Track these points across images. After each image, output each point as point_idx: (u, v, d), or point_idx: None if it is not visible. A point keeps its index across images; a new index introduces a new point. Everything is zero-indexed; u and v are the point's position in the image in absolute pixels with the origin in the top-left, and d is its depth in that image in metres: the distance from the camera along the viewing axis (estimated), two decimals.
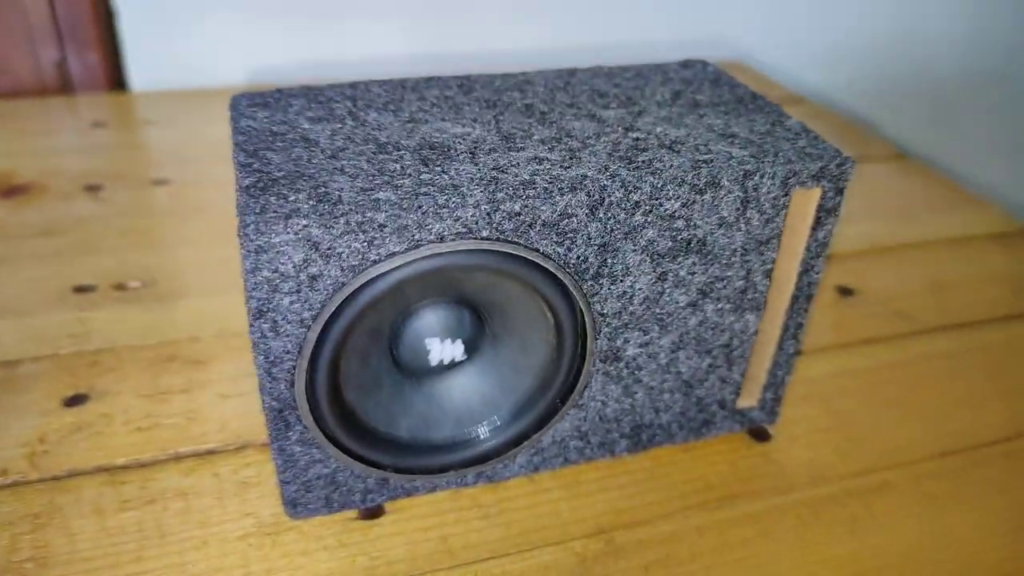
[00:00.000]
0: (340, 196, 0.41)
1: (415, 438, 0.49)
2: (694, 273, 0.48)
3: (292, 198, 0.41)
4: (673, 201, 0.45)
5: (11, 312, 0.65)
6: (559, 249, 0.44)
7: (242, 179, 0.42)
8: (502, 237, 0.43)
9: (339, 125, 0.48)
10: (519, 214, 0.42)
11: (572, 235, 0.44)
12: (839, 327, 0.70)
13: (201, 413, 0.57)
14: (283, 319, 0.41)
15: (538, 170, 0.44)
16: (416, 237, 0.41)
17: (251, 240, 0.39)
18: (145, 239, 0.76)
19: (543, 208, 0.42)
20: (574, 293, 0.46)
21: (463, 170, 0.44)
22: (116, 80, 1.07)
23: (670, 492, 0.53)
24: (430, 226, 0.41)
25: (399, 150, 0.45)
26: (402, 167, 0.44)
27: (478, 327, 0.48)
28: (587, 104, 0.52)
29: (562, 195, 0.43)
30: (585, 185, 0.43)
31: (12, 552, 0.47)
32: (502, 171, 0.44)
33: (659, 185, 0.44)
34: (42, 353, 0.61)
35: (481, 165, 0.44)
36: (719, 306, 0.50)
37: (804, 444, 0.58)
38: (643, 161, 0.45)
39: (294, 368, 0.43)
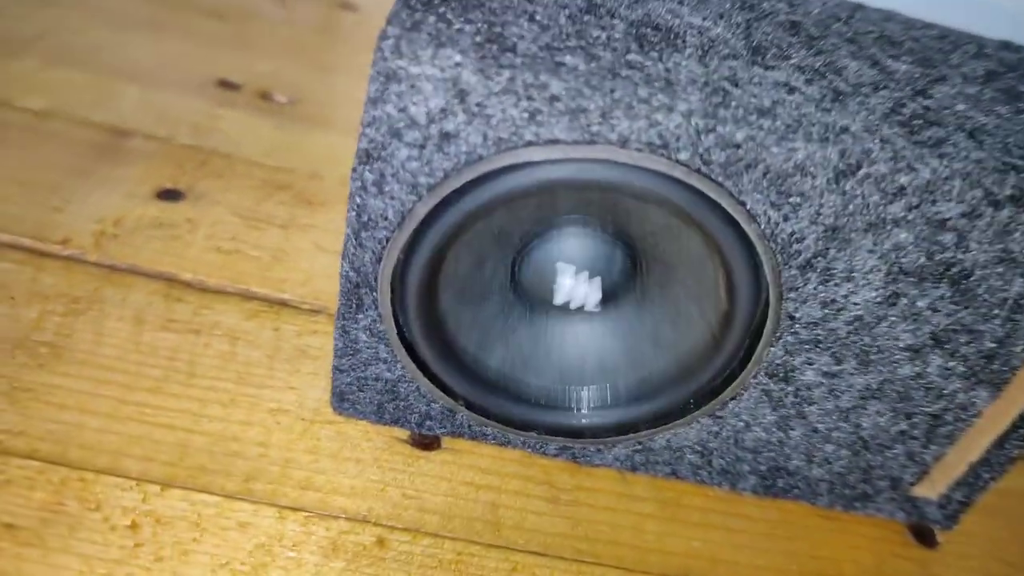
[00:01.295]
0: (516, 44, 0.30)
1: (505, 377, 0.39)
2: (937, 311, 0.35)
3: (457, 26, 0.30)
4: (954, 204, 0.32)
5: (145, 81, 0.59)
6: (772, 213, 0.32)
7: None
8: (704, 171, 0.31)
9: None
10: (739, 147, 0.30)
11: (798, 200, 0.32)
12: None
13: (290, 257, 0.49)
14: (393, 175, 0.32)
15: (785, 100, 0.32)
16: (593, 129, 0.30)
17: (384, 60, 0.29)
18: (310, 56, 0.68)
19: (775, 150, 0.30)
20: (768, 277, 0.34)
21: (685, 66, 0.32)
22: None
23: (787, 562, 0.41)
24: (616, 121, 0.30)
25: (613, 17, 0.34)
26: (609, 37, 0.32)
27: (629, 274, 0.37)
28: (871, 47, 0.39)
29: (808, 142, 0.30)
30: (842, 140, 0.31)
31: (35, 329, 0.41)
32: (736, 84, 0.32)
33: (944, 175, 0.31)
34: (157, 133, 0.55)
35: (711, 69, 0.32)
36: (949, 364, 0.37)
37: (974, 568, 0.44)
38: (930, 138, 0.32)
39: (387, 240, 0.34)
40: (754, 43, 0.35)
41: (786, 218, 0.32)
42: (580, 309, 0.37)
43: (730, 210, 0.32)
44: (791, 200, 0.32)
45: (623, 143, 0.30)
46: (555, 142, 0.30)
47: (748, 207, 0.32)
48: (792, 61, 0.35)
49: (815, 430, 0.40)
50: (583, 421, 0.39)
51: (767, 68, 0.34)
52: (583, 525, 0.40)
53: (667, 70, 0.31)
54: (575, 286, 0.36)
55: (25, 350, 0.40)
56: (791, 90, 0.32)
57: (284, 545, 0.36)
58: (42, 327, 0.41)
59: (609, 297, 0.37)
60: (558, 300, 0.37)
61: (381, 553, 0.36)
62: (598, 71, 0.30)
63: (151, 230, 0.48)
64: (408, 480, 0.39)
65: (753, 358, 0.36)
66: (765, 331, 0.35)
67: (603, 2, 0.35)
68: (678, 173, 0.31)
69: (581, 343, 0.38)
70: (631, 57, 0.31)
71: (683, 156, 0.31)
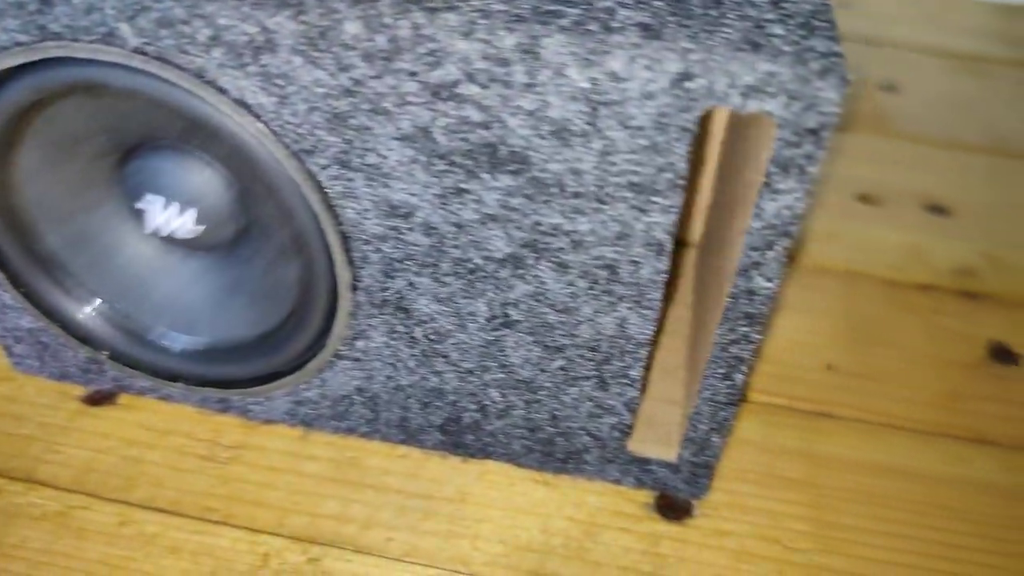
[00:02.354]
0: None
1: (131, 316, 0.36)
2: (512, 209, 0.29)
3: None
4: (452, 66, 0.26)
5: None
6: (265, 100, 0.28)
7: None
8: (163, 56, 0.27)
9: None
10: (185, 25, 0.26)
11: (283, 82, 0.27)
12: (990, 406, 0.43)
13: None
14: None
15: None
16: (40, 24, 0.27)
17: None
18: None
19: (227, 15, 0.26)
20: (290, 177, 0.29)
21: None
22: None
23: (456, 531, 0.35)
24: (66, 12, 0.27)
25: None
26: None
27: (232, 204, 0.33)
28: None
29: (253, 6, 0.26)
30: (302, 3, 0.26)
31: None
32: None
33: (428, 32, 0.25)
34: None
35: None
36: (567, 279, 0.30)
37: (730, 540, 0.35)
38: None
39: None
40: None
41: (281, 102, 0.28)
42: (175, 237, 0.34)
43: (202, 93, 0.28)
44: (275, 82, 0.27)
45: (74, 38, 0.27)
46: (16, 45, 0.28)
47: (232, 94, 0.28)
48: None
49: (468, 371, 0.34)
50: (177, 363, 0.36)
51: None
52: (230, 484, 0.36)
53: None
54: (164, 214, 0.33)
55: None
56: None
57: None
58: None
59: (215, 228, 0.34)
60: (148, 227, 0.34)
61: None
62: None
63: None
64: (61, 436, 0.38)
65: (340, 284, 0.31)
66: (332, 247, 0.31)
67: None
68: (136, 62, 0.27)
69: (198, 277, 0.35)
70: None
71: (134, 43, 0.27)
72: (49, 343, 0.38)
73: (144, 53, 0.27)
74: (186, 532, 0.34)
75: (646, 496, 0.37)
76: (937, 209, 0.55)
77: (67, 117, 0.31)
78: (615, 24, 0.25)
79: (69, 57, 0.28)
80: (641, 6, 0.26)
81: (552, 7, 0.26)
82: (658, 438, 0.36)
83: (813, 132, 0.25)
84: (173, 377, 0.37)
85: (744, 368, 0.31)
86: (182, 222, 0.33)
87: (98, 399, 0.39)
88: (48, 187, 0.33)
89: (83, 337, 0.36)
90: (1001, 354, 0.45)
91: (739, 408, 0.41)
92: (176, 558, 0.33)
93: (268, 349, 0.35)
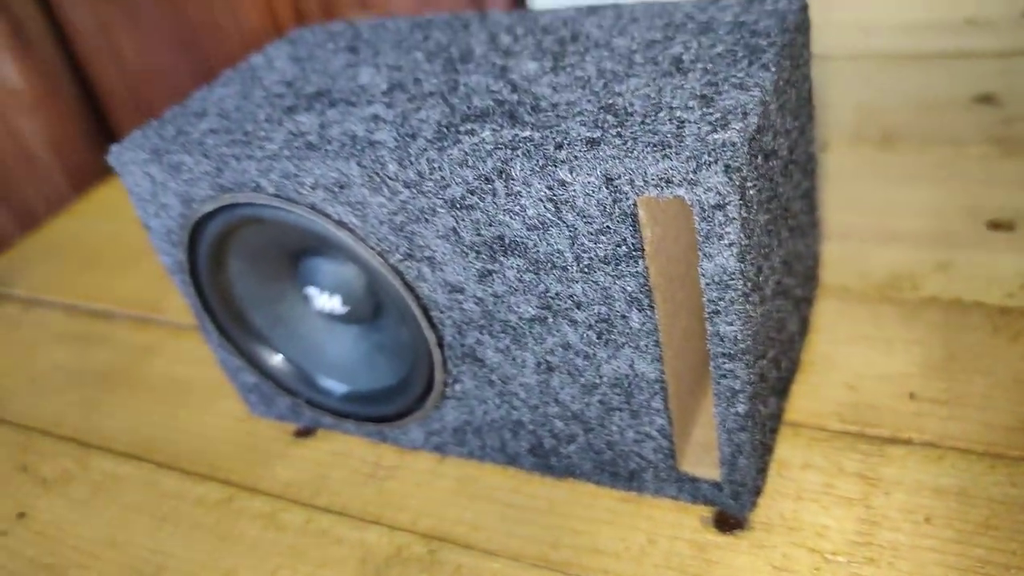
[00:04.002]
0: (190, 135, 0.44)
1: (314, 374, 0.50)
2: (525, 282, 0.38)
3: (163, 131, 0.45)
4: (456, 187, 0.36)
5: None
6: (354, 219, 0.40)
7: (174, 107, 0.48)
8: (283, 194, 0.40)
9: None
10: (297, 175, 0.39)
11: (361, 208, 0.39)
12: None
13: None
14: (160, 238, 0.47)
15: (356, 130, 0.40)
16: (219, 183, 0.42)
17: (116, 168, 0.45)
18: None
19: (317, 171, 0.39)
20: (381, 269, 0.41)
21: (302, 121, 0.42)
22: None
23: (543, 536, 0.44)
24: (231, 175, 0.41)
25: (298, 98, 0.45)
26: (269, 115, 0.44)
27: (366, 291, 0.46)
28: (525, 50, 0.43)
29: (335, 159, 0.38)
30: (356, 152, 0.38)
31: None
32: (331, 125, 0.41)
33: (438, 165, 0.36)
34: None
35: (326, 118, 0.42)
36: (580, 332, 0.38)
37: (776, 552, 0.40)
38: (449, 130, 0.37)
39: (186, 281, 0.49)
40: (397, 82, 0.43)
41: (363, 220, 0.39)
42: (333, 314, 0.47)
43: (318, 221, 0.40)
44: (356, 207, 0.39)
45: (238, 188, 0.42)
46: (211, 198, 0.43)
47: (336, 218, 0.40)
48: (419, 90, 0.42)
49: (534, 406, 0.43)
50: (336, 404, 0.49)
51: (366, 104, 0.42)
52: (384, 495, 0.48)
53: (322, 126, 0.41)
54: (321, 298, 0.47)
55: None
56: (376, 120, 0.40)
57: None
58: None
59: (358, 307, 0.47)
60: (315, 308, 0.47)
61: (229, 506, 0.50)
62: (228, 141, 0.42)
63: None
64: (277, 460, 0.52)
65: (431, 345, 0.42)
66: (420, 316, 0.42)
67: (318, 88, 0.46)
68: (262, 200, 0.41)
69: (338, 341, 0.48)
70: (267, 125, 0.43)
71: (271, 189, 0.41)
72: (267, 392, 0.53)
73: (279, 196, 0.41)
74: (347, 528, 0.47)
75: (706, 511, 0.43)
76: None
77: (249, 238, 0.45)
78: (566, 142, 0.34)
79: (237, 203, 0.42)
80: (595, 124, 0.35)
81: (525, 133, 0.35)
82: (704, 459, 0.42)
83: (719, 207, 0.32)
84: (343, 415, 0.50)
85: (743, 399, 0.37)
86: (333, 304, 0.47)
87: (303, 433, 0.54)
88: (250, 283, 0.48)
89: (284, 387, 0.51)
90: None
91: (790, 434, 0.45)
92: (339, 547, 0.46)
93: (402, 392, 0.47)
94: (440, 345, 0.43)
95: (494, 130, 0.36)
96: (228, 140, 0.42)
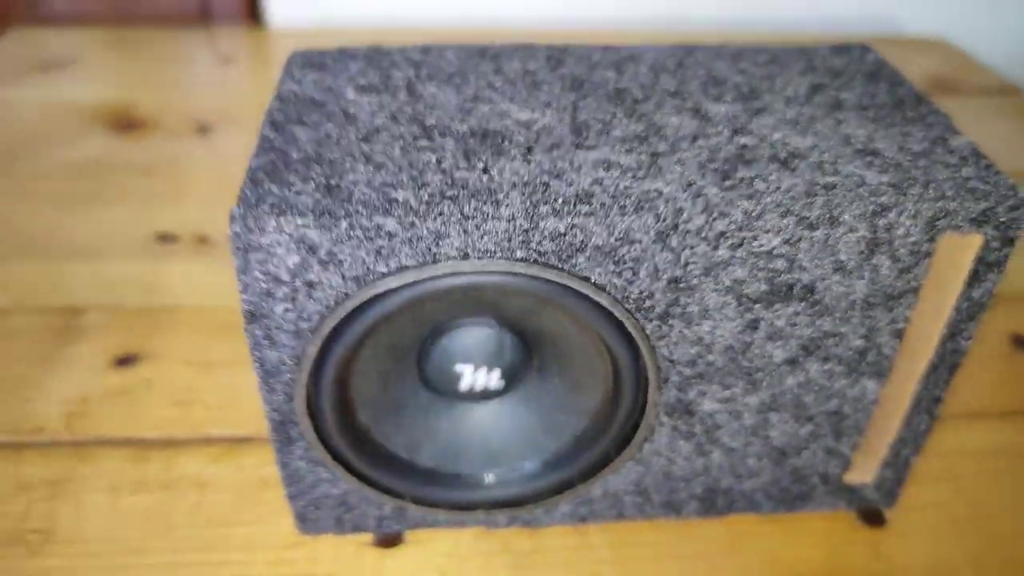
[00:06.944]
0: (352, 192, 0.34)
1: (440, 467, 0.42)
2: (796, 325, 0.38)
3: (297, 188, 0.34)
4: (772, 236, 0.35)
5: (90, 255, 0.64)
6: (616, 280, 0.35)
7: (254, 158, 0.36)
8: (541, 260, 0.34)
9: (388, 98, 0.41)
10: (563, 235, 0.34)
11: (634, 265, 0.35)
12: (1007, 389, 0.56)
13: (242, 392, 0.53)
14: (277, 328, 0.36)
15: (602, 178, 0.35)
16: (432, 251, 0.34)
17: (239, 237, 0.33)
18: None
19: (596, 230, 0.34)
20: (634, 333, 0.37)
21: (509, 169, 0.36)
22: (256, 13, 1.05)
23: (742, 573, 0.44)
24: (450, 240, 0.34)
25: (443, 136, 0.38)
26: (438, 159, 0.36)
27: (523, 354, 0.40)
28: (696, 93, 0.42)
29: (623, 215, 0.34)
30: (656, 205, 0.34)
31: (24, 519, 0.45)
32: (556, 176, 0.35)
33: (755, 213, 0.34)
34: (108, 302, 0.60)
35: (534, 165, 0.36)
36: (827, 367, 0.40)
37: (925, 537, 0.46)
38: (741, 179, 0.36)
39: (292, 381, 0.37)
40: (578, 124, 0.39)
41: (630, 282, 0.35)
42: (488, 393, 0.41)
43: (578, 288, 0.35)
44: (629, 266, 0.35)
45: (463, 255, 0.34)
46: (404, 269, 0.34)
47: (593, 281, 0.35)
48: (615, 134, 0.38)
49: (732, 450, 0.43)
50: (518, 491, 0.42)
51: (588, 149, 0.37)
52: None
53: (490, 179, 0.35)
54: (475, 376, 0.40)
55: (18, 542, 0.44)
56: (609, 166, 0.36)
57: None
58: (29, 516, 0.45)
59: (512, 376, 0.40)
60: (463, 389, 0.40)
61: None
62: (427, 198, 0.34)
63: (114, 399, 0.52)
64: None
65: (649, 404, 0.39)
66: (651, 378, 0.38)
67: (435, 121, 0.39)
68: (519, 268, 0.34)
69: (498, 422, 0.42)
70: (458, 175, 0.35)
71: (519, 254, 0.34)
72: (354, 503, 0.43)
73: (546, 264, 0.34)
74: None
75: (847, 513, 0.47)
76: None
77: (394, 324, 0.37)
78: (875, 188, 0.35)
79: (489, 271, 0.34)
80: (881, 169, 0.36)
81: (828, 179, 0.36)
82: (866, 465, 0.46)
83: (1011, 242, 0.36)
84: (472, 507, 0.43)
85: (936, 408, 0.42)
86: (488, 379, 0.40)
87: (386, 542, 0.45)
88: (367, 376, 0.39)
89: (391, 492, 0.42)
90: None
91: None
92: None
93: (560, 466, 0.42)
94: (652, 405, 0.40)
95: (791, 175, 0.36)
96: (428, 195, 0.34)
